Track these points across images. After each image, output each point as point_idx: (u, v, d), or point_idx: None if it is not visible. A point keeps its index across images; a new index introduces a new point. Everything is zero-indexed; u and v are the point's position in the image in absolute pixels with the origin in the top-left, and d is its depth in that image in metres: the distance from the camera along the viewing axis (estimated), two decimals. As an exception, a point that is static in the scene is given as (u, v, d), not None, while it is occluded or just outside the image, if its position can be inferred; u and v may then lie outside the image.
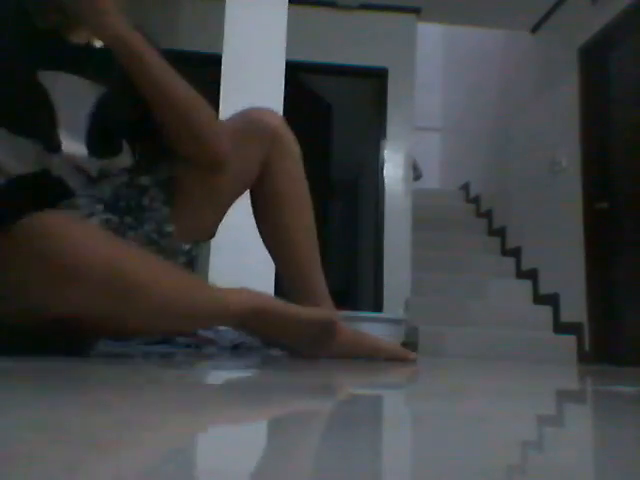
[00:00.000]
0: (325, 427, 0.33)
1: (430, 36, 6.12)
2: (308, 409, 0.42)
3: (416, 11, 4.40)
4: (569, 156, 3.86)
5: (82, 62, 1.04)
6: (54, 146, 0.99)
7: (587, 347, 3.58)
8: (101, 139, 1.06)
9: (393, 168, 4.35)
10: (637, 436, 0.33)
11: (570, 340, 3.65)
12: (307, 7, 4.29)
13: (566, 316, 3.82)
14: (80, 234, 0.79)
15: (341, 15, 4.40)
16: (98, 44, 1.07)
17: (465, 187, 5.78)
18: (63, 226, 0.79)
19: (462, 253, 4.61)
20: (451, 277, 4.16)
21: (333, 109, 5.35)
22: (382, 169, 4.37)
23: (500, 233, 4.85)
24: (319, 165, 4.89)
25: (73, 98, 1.02)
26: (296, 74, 4.25)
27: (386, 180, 4.34)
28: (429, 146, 6.40)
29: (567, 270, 3.81)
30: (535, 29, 4.45)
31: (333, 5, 4.39)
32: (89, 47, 1.06)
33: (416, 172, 4.74)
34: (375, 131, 4.57)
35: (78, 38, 1.06)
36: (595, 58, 3.72)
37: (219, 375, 0.71)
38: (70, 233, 0.78)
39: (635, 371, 1.83)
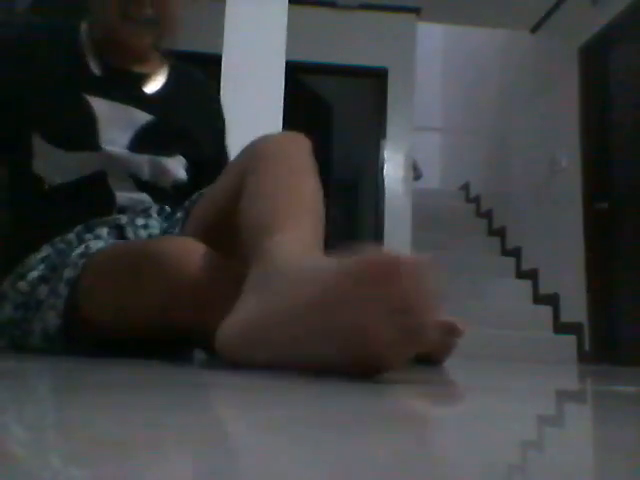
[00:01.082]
0: (318, 425, 0.33)
1: (430, 36, 6.12)
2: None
3: (416, 11, 4.40)
4: (569, 156, 3.87)
5: (133, 92, 1.12)
6: (108, 193, 1.06)
7: (587, 347, 3.58)
8: (151, 139, 1.10)
9: (393, 168, 4.35)
10: (637, 436, 0.33)
11: (570, 340, 3.65)
12: (307, 7, 4.30)
13: (566, 316, 3.82)
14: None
15: (341, 15, 4.40)
16: (151, 86, 1.15)
17: (465, 187, 5.78)
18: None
19: (462, 253, 4.61)
20: (451, 277, 4.16)
21: (333, 109, 5.35)
22: (382, 169, 4.37)
23: (500, 233, 4.85)
24: (319, 165, 4.88)
25: (112, 119, 1.08)
26: (296, 74, 4.25)
27: (386, 180, 4.34)
28: (429, 146, 6.40)
29: (567, 270, 3.81)
30: (535, 29, 4.45)
31: (333, 5, 4.39)
32: (145, 79, 1.15)
33: (416, 172, 4.74)
34: (375, 131, 4.57)
35: (140, 69, 1.15)
36: (595, 58, 3.72)
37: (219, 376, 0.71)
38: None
39: (635, 371, 1.83)
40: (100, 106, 1.06)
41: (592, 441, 0.33)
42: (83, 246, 0.96)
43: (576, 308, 3.69)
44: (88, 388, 0.47)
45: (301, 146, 0.89)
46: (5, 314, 0.98)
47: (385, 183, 4.33)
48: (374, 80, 4.51)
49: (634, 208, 3.35)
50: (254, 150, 0.88)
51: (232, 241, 0.83)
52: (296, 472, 0.20)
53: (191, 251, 0.79)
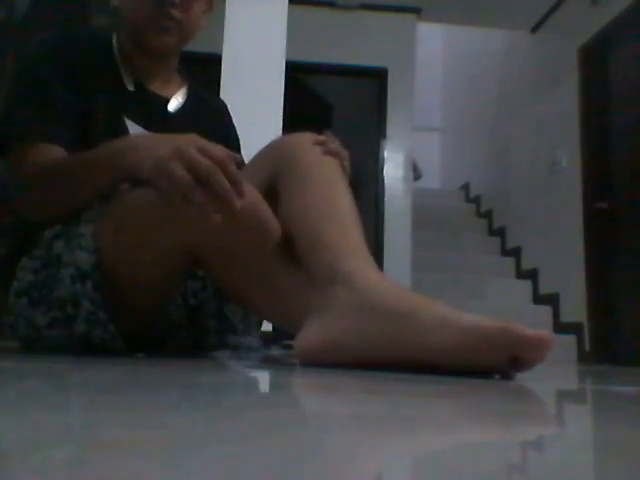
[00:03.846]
0: (302, 425, 0.33)
1: (430, 36, 6.12)
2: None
3: (416, 11, 4.39)
4: (569, 156, 3.86)
5: (160, 117, 1.14)
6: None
7: (587, 347, 3.58)
8: None
9: (393, 168, 4.35)
10: (637, 436, 0.33)
11: (570, 340, 3.65)
12: (307, 7, 4.29)
13: (566, 316, 3.82)
14: None
15: (341, 15, 4.40)
16: (173, 104, 1.17)
17: (465, 187, 5.78)
18: None
19: (462, 253, 4.61)
20: (451, 277, 4.15)
21: (333, 109, 5.35)
22: (382, 169, 4.37)
23: (500, 233, 4.85)
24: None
25: None
26: (296, 74, 4.25)
27: (386, 180, 4.34)
28: (429, 146, 6.40)
29: (567, 270, 3.81)
30: (535, 29, 4.45)
31: (333, 5, 4.39)
32: (167, 105, 1.16)
33: (416, 172, 4.74)
34: (375, 131, 4.56)
35: (162, 91, 1.17)
36: (595, 58, 3.72)
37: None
38: None
39: (635, 371, 1.83)
40: (134, 131, 1.09)
41: (592, 441, 0.33)
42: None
43: (576, 308, 3.69)
44: (90, 388, 0.47)
45: (320, 157, 1.00)
46: (25, 280, 0.97)
47: (385, 183, 4.33)
48: (374, 80, 4.51)
49: (634, 208, 3.35)
50: (283, 149, 1.00)
51: None
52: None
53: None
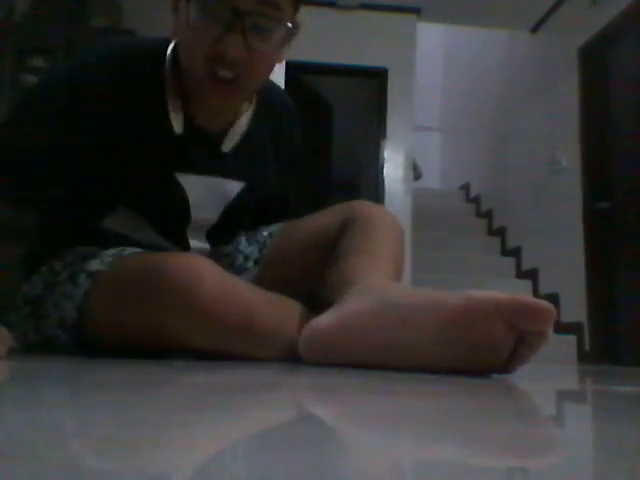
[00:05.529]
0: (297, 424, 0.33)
1: (430, 36, 6.12)
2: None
3: (416, 11, 4.39)
4: (569, 156, 3.86)
5: (216, 160, 1.01)
6: (185, 246, 1.02)
7: (587, 347, 3.58)
8: (222, 231, 1.08)
9: (393, 168, 4.35)
10: (637, 436, 0.33)
11: (570, 340, 3.65)
12: (307, 7, 4.27)
13: (566, 316, 3.82)
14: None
15: (341, 15, 4.40)
16: (228, 144, 1.01)
17: (465, 187, 5.78)
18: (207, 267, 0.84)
19: (462, 253, 4.61)
20: (451, 277, 4.15)
21: (333, 109, 5.35)
22: (382, 169, 4.37)
23: (500, 233, 4.85)
24: (319, 165, 4.89)
25: (205, 195, 1.01)
26: (296, 74, 4.25)
27: (386, 180, 4.34)
28: (429, 146, 6.40)
29: (567, 270, 3.81)
30: (535, 29, 4.45)
31: (333, 5, 4.39)
32: (223, 137, 1.00)
33: (416, 172, 4.74)
34: (375, 131, 4.56)
35: (218, 123, 0.99)
36: (595, 58, 3.72)
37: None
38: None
39: (635, 371, 1.83)
40: (190, 183, 0.98)
41: (592, 441, 0.33)
42: (120, 248, 0.95)
43: (576, 308, 3.69)
44: (91, 387, 0.47)
45: (393, 219, 1.03)
46: (36, 290, 0.95)
47: (385, 183, 4.33)
48: (374, 80, 4.51)
49: (634, 208, 3.35)
50: (351, 207, 1.03)
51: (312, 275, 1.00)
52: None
53: (201, 271, 0.83)
